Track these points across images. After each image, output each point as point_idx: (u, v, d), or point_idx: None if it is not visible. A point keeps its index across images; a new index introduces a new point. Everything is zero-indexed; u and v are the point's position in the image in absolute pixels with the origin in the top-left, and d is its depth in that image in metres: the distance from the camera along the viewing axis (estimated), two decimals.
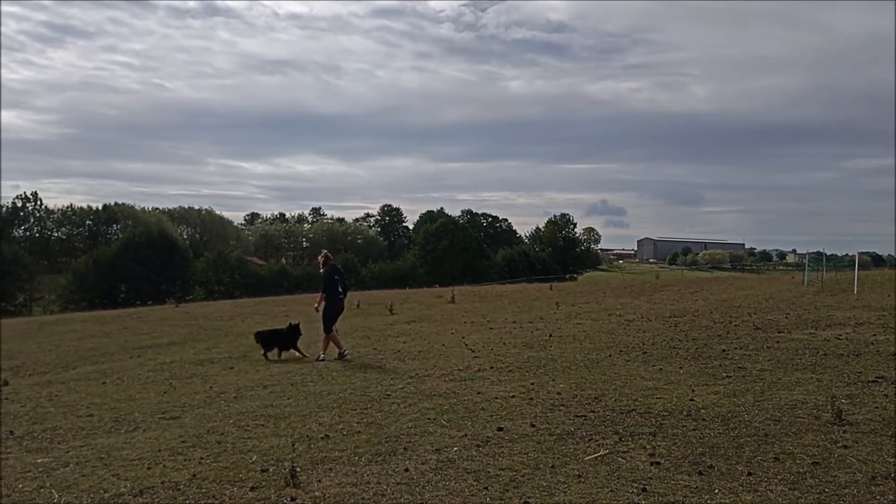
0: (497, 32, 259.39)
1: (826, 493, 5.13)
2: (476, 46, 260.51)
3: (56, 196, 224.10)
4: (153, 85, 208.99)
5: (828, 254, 31.60)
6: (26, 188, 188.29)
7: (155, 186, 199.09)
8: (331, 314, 13.77)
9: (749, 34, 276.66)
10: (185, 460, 6.67)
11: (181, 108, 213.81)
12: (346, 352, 13.72)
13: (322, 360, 13.39)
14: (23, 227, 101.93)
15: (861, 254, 36.39)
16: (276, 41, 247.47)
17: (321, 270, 14.03)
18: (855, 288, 22.72)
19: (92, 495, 5.70)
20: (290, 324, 15.29)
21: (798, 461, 5.85)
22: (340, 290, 13.90)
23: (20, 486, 6.11)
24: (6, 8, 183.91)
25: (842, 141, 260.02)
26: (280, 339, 14.93)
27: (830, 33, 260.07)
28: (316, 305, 13.94)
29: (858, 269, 26.46)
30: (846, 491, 5.16)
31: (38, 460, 7.01)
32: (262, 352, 14.78)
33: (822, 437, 6.49)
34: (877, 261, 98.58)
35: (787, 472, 5.60)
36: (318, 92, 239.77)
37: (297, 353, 14.71)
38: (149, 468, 6.44)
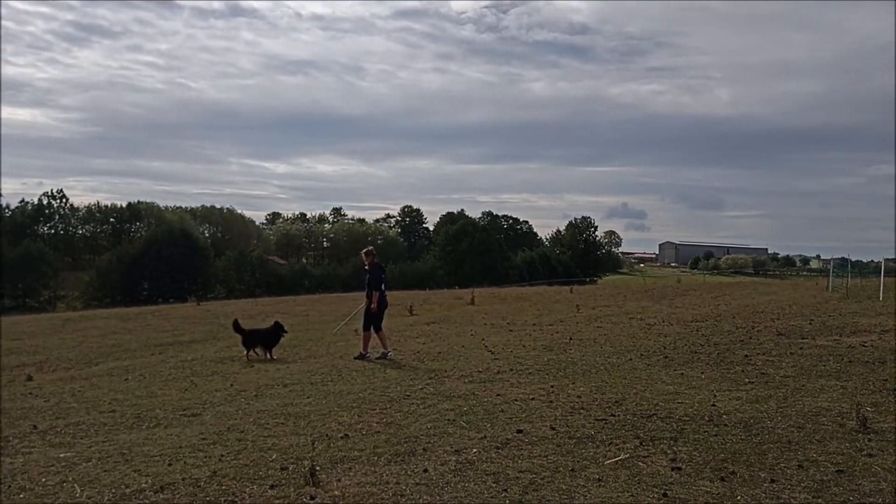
0: (519, 34, 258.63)
1: (850, 502, 5.05)
2: (498, 48, 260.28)
3: (81, 194, 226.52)
4: (177, 84, 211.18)
5: (853, 260, 31.25)
6: (51, 186, 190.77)
7: (178, 185, 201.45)
8: (375, 312, 13.56)
9: (772, 38, 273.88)
10: (206, 457, 6.70)
11: (205, 108, 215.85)
12: (370, 355, 13.54)
13: (387, 355, 13.24)
14: (48, 225, 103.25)
15: (887, 260, 35.93)
16: (299, 42, 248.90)
17: (366, 267, 13.83)
18: (881, 294, 22.44)
19: (113, 491, 5.74)
20: (275, 322, 15.54)
21: (822, 469, 5.78)
22: (383, 287, 13.74)
23: (43, 480, 6.17)
24: (35, 8, 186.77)
25: (865, 146, 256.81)
26: (262, 339, 15.05)
27: (853, 37, 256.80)
28: (373, 304, 13.52)
29: (884, 276, 26.12)
30: (870, 500, 5.09)
31: (61, 455, 7.07)
32: (246, 352, 14.92)
33: (847, 444, 6.41)
34: None
35: (811, 480, 5.52)
36: (340, 92, 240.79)
37: (268, 355, 14.74)
38: (170, 464, 6.48)
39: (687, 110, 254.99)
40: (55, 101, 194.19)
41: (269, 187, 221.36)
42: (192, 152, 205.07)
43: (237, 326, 15.81)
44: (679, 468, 5.89)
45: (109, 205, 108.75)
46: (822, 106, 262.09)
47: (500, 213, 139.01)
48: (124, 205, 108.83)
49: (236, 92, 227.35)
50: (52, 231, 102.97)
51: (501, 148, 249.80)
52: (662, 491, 5.36)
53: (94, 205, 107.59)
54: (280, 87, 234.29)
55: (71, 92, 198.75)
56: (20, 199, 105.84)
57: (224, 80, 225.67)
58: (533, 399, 8.78)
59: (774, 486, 5.43)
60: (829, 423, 7.19)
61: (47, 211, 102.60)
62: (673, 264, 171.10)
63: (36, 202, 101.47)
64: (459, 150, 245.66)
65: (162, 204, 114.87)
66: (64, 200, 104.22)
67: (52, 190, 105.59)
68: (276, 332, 15.26)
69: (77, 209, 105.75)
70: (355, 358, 13.33)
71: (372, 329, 13.62)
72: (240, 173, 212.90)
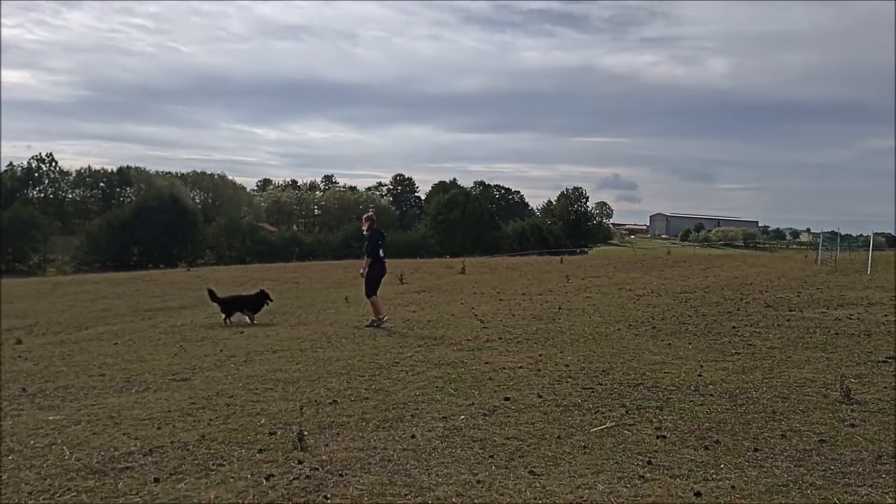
0: (513, 2, 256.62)
1: (832, 471, 5.13)
2: (492, 15, 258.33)
3: (71, 158, 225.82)
4: (168, 48, 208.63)
5: (842, 233, 31.33)
6: (40, 149, 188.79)
7: (168, 150, 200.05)
8: (374, 278, 13.38)
9: (768, 9, 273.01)
10: (195, 421, 6.73)
11: (196, 73, 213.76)
12: (385, 319, 13.28)
13: (384, 322, 13.08)
14: (37, 188, 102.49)
15: (876, 234, 36.14)
16: (292, 6, 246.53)
17: (365, 233, 13.63)
18: (868, 268, 22.57)
19: (102, 453, 5.77)
20: (261, 290, 15.78)
21: (805, 438, 5.85)
22: (382, 254, 13.55)
23: (32, 442, 6.19)
24: None
25: (859, 120, 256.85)
26: (246, 305, 15.29)
27: (851, 9, 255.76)
28: (362, 270, 13.49)
29: (873, 250, 26.25)
30: (852, 469, 5.16)
31: (50, 417, 7.09)
32: (224, 317, 15.02)
33: (830, 415, 6.49)
34: (892, 242, 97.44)
35: (794, 449, 5.60)
36: (334, 59, 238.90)
37: (248, 319, 15.03)
38: (159, 428, 6.51)
39: (681, 81, 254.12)
40: (43, 64, 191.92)
41: (259, 153, 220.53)
42: (183, 117, 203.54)
43: (213, 295, 15.72)
44: (664, 436, 5.96)
45: (100, 169, 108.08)
46: (817, 78, 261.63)
47: (492, 183, 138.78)
48: (115, 169, 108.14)
49: (228, 57, 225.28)
50: (42, 195, 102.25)
51: (494, 117, 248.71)
52: (647, 458, 5.42)
53: (85, 169, 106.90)
54: (272, 53, 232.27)
55: (59, 54, 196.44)
56: (8, 162, 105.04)
57: (215, 45, 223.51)
58: (521, 367, 8.84)
59: (758, 454, 5.50)
60: (814, 393, 7.27)
61: (37, 174, 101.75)
62: (664, 236, 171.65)
63: (25, 165, 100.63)
64: (453, 118, 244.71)
65: (152, 169, 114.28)
66: (54, 164, 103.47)
67: (41, 153, 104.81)
68: (262, 299, 15.40)
69: (67, 173, 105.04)
70: (367, 326, 13.05)
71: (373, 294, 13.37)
72: (230, 139, 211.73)
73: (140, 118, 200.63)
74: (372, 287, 13.35)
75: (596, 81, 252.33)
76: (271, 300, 15.70)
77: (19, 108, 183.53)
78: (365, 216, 14.01)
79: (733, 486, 4.85)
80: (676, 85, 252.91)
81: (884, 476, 5.01)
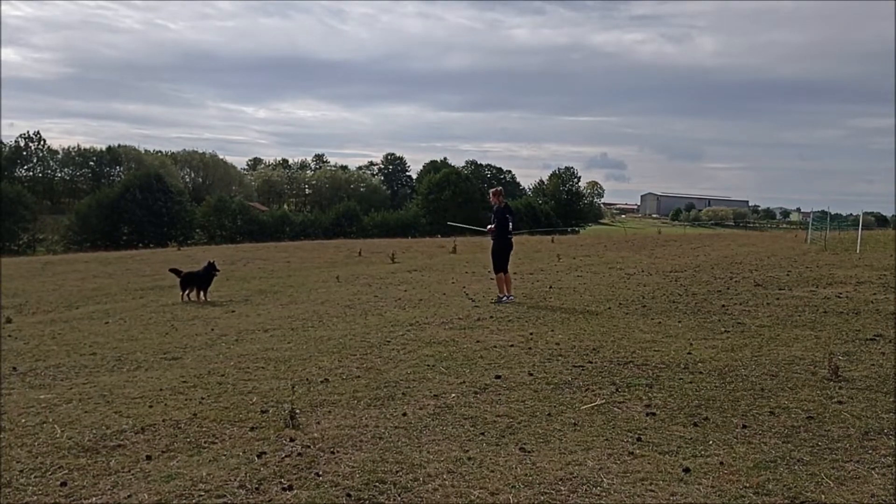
0: None
1: (819, 447, 5.18)
2: None
3: (57, 136, 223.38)
4: (155, 25, 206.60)
5: (832, 213, 31.47)
6: (25, 127, 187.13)
7: (155, 129, 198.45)
8: (502, 253, 13.16)
9: None
10: (186, 400, 6.74)
11: (182, 50, 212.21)
12: (511, 297, 12.96)
13: (507, 300, 12.76)
14: (25, 167, 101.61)
15: (865, 214, 36.28)
16: None
17: (493, 207, 13.36)
18: (857, 247, 22.70)
19: (94, 431, 5.77)
20: (208, 262, 15.99)
21: (793, 415, 5.91)
22: (511, 228, 13.33)
23: (23, 420, 6.18)
24: None
25: (849, 99, 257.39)
26: (197, 280, 15.59)
27: None
28: (490, 229, 13.24)
29: (862, 229, 26.39)
30: (839, 445, 5.22)
31: (41, 396, 7.08)
32: (181, 294, 15.44)
33: (818, 392, 6.54)
34: (881, 221, 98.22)
35: (782, 426, 5.65)
36: (321, 36, 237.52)
37: (201, 297, 15.34)
38: (150, 406, 6.51)
39: (670, 60, 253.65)
40: (26, 41, 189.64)
41: (248, 132, 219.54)
42: (169, 95, 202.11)
43: (175, 270, 16.43)
44: (653, 413, 6.00)
45: (89, 148, 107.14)
46: (807, 56, 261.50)
47: (483, 163, 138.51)
48: (104, 148, 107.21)
49: (215, 34, 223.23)
50: (31, 174, 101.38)
51: (482, 95, 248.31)
52: (637, 435, 5.46)
53: (74, 148, 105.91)
54: (259, 29, 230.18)
55: (43, 31, 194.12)
56: None
57: (203, 22, 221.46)
58: (512, 346, 8.87)
59: (746, 431, 5.55)
60: (802, 371, 7.33)
61: (25, 153, 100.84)
62: (654, 215, 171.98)
63: (13, 144, 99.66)
64: (440, 96, 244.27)
65: (141, 148, 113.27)
66: (42, 143, 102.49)
67: (29, 132, 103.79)
68: (209, 272, 15.68)
69: (55, 152, 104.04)
70: (493, 302, 12.73)
71: (502, 272, 13.12)
72: (218, 118, 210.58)
73: (126, 96, 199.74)
74: (499, 262, 13.09)
75: (584, 59, 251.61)
76: (218, 271, 16.04)
77: (2, 85, 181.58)
78: (493, 190, 13.74)
79: (721, 462, 4.90)
80: (665, 63, 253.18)
81: (870, 452, 5.07)
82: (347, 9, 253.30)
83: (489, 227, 13.40)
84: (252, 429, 5.76)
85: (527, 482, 4.62)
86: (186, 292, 15.46)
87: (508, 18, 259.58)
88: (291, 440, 5.44)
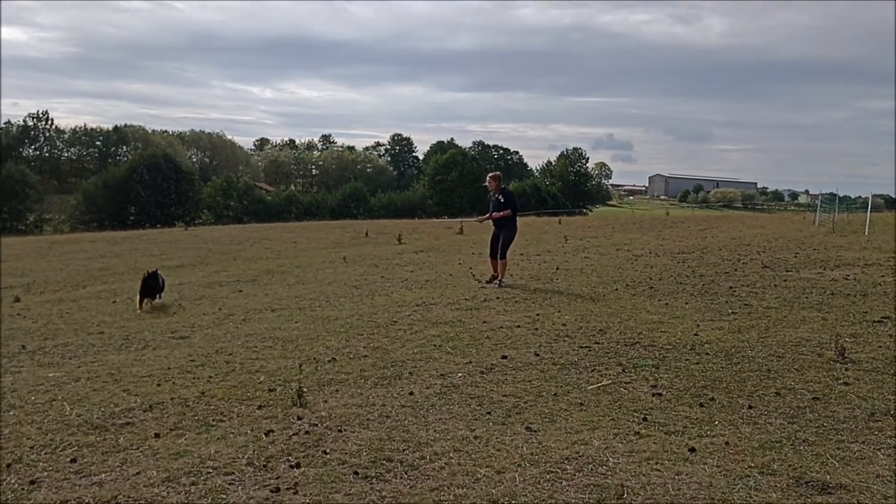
0: None
1: (825, 428, 5.19)
2: None
3: (63, 116, 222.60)
4: (160, 4, 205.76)
5: (841, 195, 31.34)
6: (29, 107, 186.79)
7: (161, 109, 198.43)
8: (493, 239, 12.89)
9: None
10: (194, 378, 6.78)
11: (188, 29, 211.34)
12: (502, 282, 12.60)
13: (494, 283, 12.46)
14: (33, 147, 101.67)
15: (875, 196, 36.08)
16: None
17: (491, 193, 13.04)
18: (866, 230, 22.58)
19: (103, 409, 5.82)
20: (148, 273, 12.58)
21: (799, 396, 5.91)
22: (501, 214, 12.80)
23: (32, 398, 6.23)
24: None
25: (858, 80, 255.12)
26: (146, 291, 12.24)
27: None
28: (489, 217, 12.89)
29: (871, 212, 26.24)
30: (844, 426, 5.22)
31: (50, 374, 7.14)
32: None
33: (824, 373, 6.54)
34: (890, 203, 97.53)
35: (788, 407, 5.66)
36: (327, 16, 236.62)
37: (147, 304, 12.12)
38: (158, 385, 6.55)
39: (678, 41, 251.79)
40: (30, 20, 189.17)
41: (255, 112, 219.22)
42: (175, 75, 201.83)
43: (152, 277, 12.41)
44: (660, 394, 6.01)
45: (96, 127, 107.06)
46: (816, 38, 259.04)
47: (490, 144, 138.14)
48: (110, 128, 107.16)
49: (220, 13, 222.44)
50: (38, 153, 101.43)
51: (490, 76, 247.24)
52: (643, 415, 5.48)
53: (81, 127, 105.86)
54: (265, 9, 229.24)
55: (47, 10, 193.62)
56: (6, 120, 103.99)
57: (208, 1, 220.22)
58: (518, 326, 8.88)
59: (752, 411, 5.56)
60: (809, 352, 7.32)
61: (32, 133, 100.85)
62: (662, 197, 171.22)
63: (21, 123, 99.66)
64: (447, 76, 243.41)
65: (148, 128, 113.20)
66: (49, 122, 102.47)
67: (38, 111, 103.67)
68: (148, 282, 12.33)
69: (62, 131, 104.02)
70: (486, 282, 12.64)
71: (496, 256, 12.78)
72: (225, 98, 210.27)
73: (131, 76, 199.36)
74: (491, 248, 12.88)
75: (591, 40, 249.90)
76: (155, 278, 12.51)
77: (6, 64, 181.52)
78: (491, 175, 13.42)
79: (727, 442, 4.91)
80: (673, 44, 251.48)
81: (876, 433, 5.08)
82: None
83: (482, 217, 13.03)
84: (260, 407, 5.79)
85: (533, 461, 4.64)
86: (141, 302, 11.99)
87: None
88: (299, 418, 5.48)
